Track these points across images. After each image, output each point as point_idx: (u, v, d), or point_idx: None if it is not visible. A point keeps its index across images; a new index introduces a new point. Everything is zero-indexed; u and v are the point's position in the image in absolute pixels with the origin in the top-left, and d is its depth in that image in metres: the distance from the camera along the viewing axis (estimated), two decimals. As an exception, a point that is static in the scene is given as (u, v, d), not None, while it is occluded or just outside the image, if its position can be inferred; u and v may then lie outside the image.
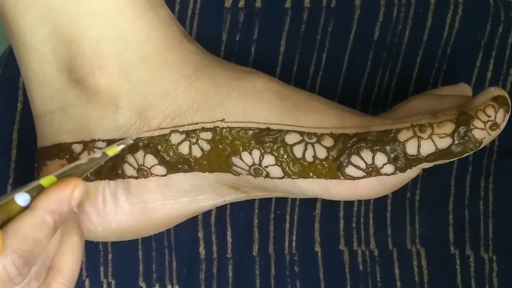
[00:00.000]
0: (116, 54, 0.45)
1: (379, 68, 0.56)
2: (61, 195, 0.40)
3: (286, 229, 0.56)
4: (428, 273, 0.56)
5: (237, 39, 0.55)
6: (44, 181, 0.41)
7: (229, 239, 0.56)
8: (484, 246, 0.56)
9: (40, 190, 0.40)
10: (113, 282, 0.56)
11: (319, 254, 0.56)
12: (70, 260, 0.44)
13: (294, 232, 0.56)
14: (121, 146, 0.44)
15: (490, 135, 0.44)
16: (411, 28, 0.55)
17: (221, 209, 0.55)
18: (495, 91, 0.44)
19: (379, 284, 0.56)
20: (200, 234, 0.56)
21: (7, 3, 0.45)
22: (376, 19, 0.55)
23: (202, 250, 0.56)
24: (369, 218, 0.56)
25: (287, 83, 0.49)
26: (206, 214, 0.55)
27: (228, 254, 0.56)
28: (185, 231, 0.56)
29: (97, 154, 0.43)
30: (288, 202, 0.56)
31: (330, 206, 0.56)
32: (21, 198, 0.39)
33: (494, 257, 0.56)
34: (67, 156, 0.47)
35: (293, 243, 0.56)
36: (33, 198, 0.40)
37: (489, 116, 0.44)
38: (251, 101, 0.46)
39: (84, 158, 0.43)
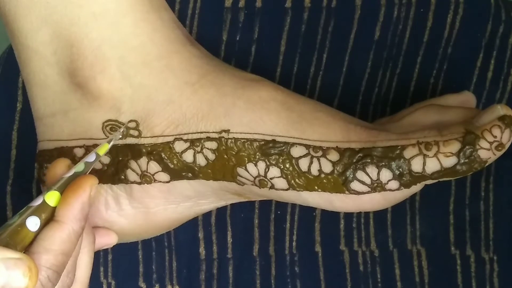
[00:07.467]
0: (118, 58, 0.45)
1: (380, 68, 0.55)
2: (83, 201, 0.42)
3: (287, 229, 0.56)
4: (428, 274, 0.56)
5: (237, 39, 0.54)
6: (48, 198, 0.41)
7: (230, 239, 0.56)
8: (485, 247, 0.57)
9: (46, 208, 0.41)
10: (113, 282, 0.56)
11: (320, 254, 0.56)
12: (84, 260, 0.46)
13: (295, 232, 0.56)
14: (112, 143, 0.45)
15: (495, 155, 0.44)
16: (411, 28, 0.55)
17: (221, 209, 0.55)
18: (501, 109, 0.44)
19: (379, 284, 0.56)
20: (200, 235, 0.56)
21: (8, 5, 0.44)
22: (376, 19, 0.55)
23: (202, 250, 0.56)
24: (370, 218, 0.56)
25: (288, 87, 0.49)
26: (207, 214, 0.55)
27: (228, 254, 0.56)
28: (185, 232, 0.55)
29: (91, 157, 0.44)
30: (289, 202, 0.56)
31: (331, 206, 0.56)
32: (32, 223, 0.40)
33: (495, 258, 0.56)
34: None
35: (294, 243, 0.56)
36: (41, 219, 0.40)
37: (495, 137, 0.44)
38: (257, 112, 0.46)
39: (80, 164, 0.43)
